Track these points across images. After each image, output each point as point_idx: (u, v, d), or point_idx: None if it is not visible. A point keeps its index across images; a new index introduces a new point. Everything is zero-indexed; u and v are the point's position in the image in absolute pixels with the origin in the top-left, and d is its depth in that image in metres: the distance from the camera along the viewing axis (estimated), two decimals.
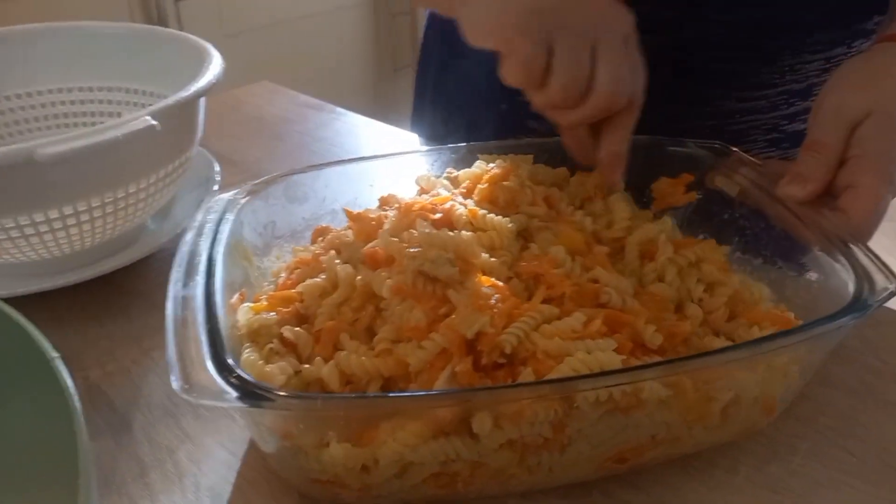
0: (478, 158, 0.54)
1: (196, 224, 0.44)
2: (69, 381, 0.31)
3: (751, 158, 0.53)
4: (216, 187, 0.64)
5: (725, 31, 0.60)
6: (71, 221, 0.51)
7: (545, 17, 0.46)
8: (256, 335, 0.40)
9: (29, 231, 0.50)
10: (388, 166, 0.54)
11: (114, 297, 0.57)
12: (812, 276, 0.45)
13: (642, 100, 0.49)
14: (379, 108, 0.85)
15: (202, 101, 0.59)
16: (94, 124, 0.68)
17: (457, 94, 0.79)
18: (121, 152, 0.50)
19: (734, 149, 0.54)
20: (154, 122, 0.49)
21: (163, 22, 1.80)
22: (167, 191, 0.58)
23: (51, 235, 0.51)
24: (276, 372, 0.36)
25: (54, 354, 0.32)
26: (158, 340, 0.52)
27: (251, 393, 0.32)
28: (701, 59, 0.62)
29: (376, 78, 2.50)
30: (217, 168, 0.66)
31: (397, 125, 0.88)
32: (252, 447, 0.44)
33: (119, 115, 0.69)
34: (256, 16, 2.04)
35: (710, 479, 0.42)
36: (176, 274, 0.39)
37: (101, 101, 0.70)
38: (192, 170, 0.65)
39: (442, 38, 0.80)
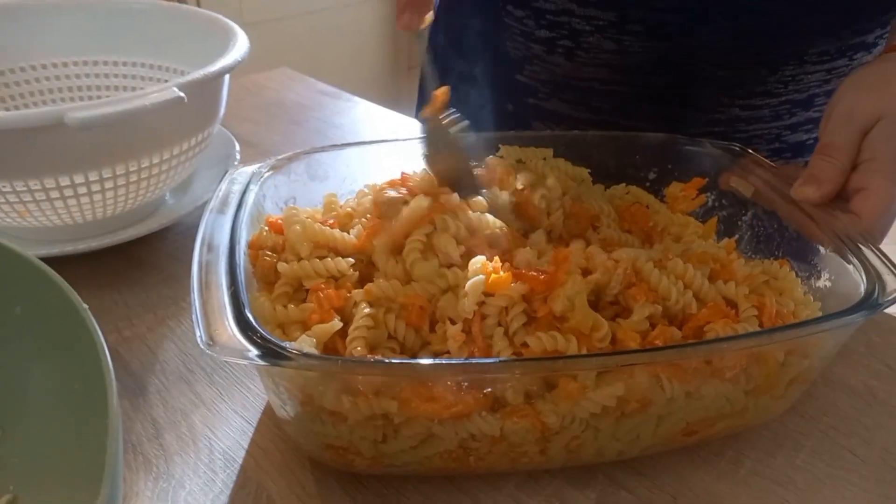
0: (491, 148, 0.54)
1: (221, 193, 0.44)
2: (99, 332, 0.31)
3: (766, 160, 0.54)
4: (237, 163, 0.65)
5: (731, 39, 0.61)
6: (95, 188, 0.52)
7: None
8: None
9: (54, 195, 0.51)
10: (406, 149, 0.55)
11: (131, 267, 0.58)
12: (824, 275, 0.46)
13: None
14: (392, 103, 0.86)
15: (227, 78, 0.60)
16: None
17: (461, 94, 0.80)
18: (147, 122, 0.51)
19: (749, 150, 0.55)
20: (181, 94, 0.50)
21: None
22: (188, 164, 0.59)
23: (74, 201, 0.52)
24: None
25: (84, 305, 0.33)
26: (173, 309, 0.53)
27: (272, 351, 0.32)
28: (708, 65, 0.63)
29: (390, 74, 2.51)
30: (237, 147, 0.67)
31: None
32: (265, 415, 0.44)
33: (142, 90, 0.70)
34: (276, 6, 2.06)
35: (715, 469, 0.42)
36: (201, 239, 0.40)
37: (125, 76, 0.70)
38: (212, 147, 0.66)
39: (448, 34, 0.81)
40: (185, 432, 0.43)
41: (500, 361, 0.36)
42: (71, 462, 0.32)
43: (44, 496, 0.33)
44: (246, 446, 0.42)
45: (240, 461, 0.41)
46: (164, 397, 0.45)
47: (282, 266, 0.42)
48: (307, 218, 0.45)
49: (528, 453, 0.38)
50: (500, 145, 0.55)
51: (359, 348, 0.38)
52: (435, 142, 0.49)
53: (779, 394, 0.41)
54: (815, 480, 0.42)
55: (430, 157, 0.48)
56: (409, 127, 0.86)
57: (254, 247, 0.43)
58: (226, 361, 0.48)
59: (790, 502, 0.40)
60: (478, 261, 0.40)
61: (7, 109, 0.68)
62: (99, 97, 0.70)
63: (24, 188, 0.50)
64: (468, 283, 0.39)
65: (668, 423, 0.39)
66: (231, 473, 0.41)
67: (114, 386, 0.29)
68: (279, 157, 0.50)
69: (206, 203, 0.44)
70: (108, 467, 0.27)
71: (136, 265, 0.58)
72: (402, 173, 0.48)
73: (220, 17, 0.66)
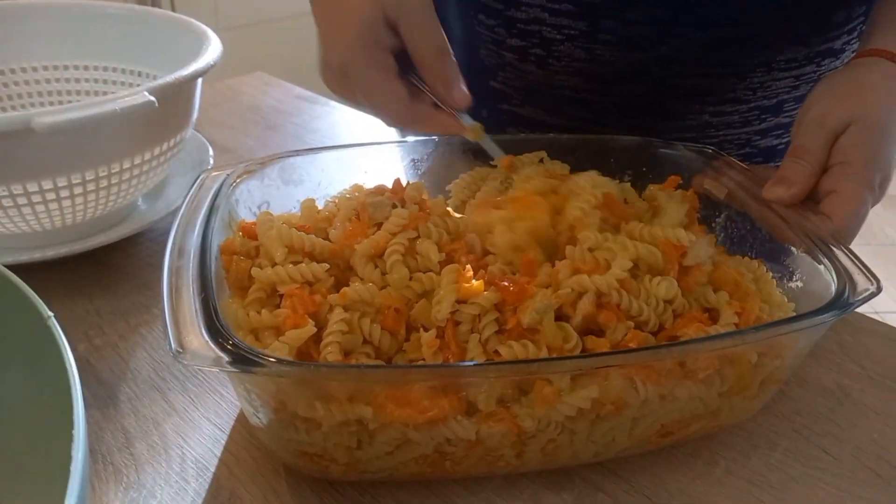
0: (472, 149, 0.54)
1: (192, 198, 0.44)
2: (64, 341, 0.31)
3: (739, 163, 0.54)
4: (209, 167, 0.64)
5: (701, 49, 0.62)
6: (64, 194, 0.51)
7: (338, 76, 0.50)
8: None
9: (22, 201, 0.50)
10: (383, 153, 0.55)
11: (103, 274, 0.57)
12: (796, 276, 0.46)
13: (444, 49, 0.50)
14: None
15: (199, 82, 0.59)
16: None
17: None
18: (117, 126, 0.50)
19: (723, 153, 0.55)
20: (152, 98, 0.49)
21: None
22: (160, 170, 0.58)
23: (43, 207, 0.51)
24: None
25: (49, 314, 0.32)
26: (146, 317, 0.52)
27: (244, 358, 0.32)
28: (678, 74, 0.64)
29: None
30: (211, 152, 0.67)
31: None
32: (239, 423, 0.44)
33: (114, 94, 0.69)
34: (252, 12, 2.05)
35: (691, 470, 0.43)
36: (171, 245, 0.39)
37: (96, 81, 0.70)
38: (185, 152, 0.65)
39: None
40: (156, 441, 0.42)
41: (474, 365, 0.36)
42: (39, 472, 0.31)
43: None
44: (219, 454, 0.42)
45: (213, 469, 0.41)
46: (136, 406, 0.45)
47: (256, 271, 0.42)
48: (282, 223, 0.44)
49: (505, 457, 0.38)
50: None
51: (333, 353, 0.38)
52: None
53: (752, 394, 0.41)
54: (790, 479, 0.42)
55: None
56: (386, 131, 0.86)
57: (226, 252, 0.42)
58: (198, 369, 0.48)
59: (765, 501, 0.41)
60: (452, 268, 0.40)
61: None
62: (70, 102, 0.69)
63: None
64: (442, 290, 0.39)
65: (644, 425, 0.39)
66: (203, 482, 0.40)
67: (79, 395, 0.28)
68: (252, 161, 0.49)
69: (179, 209, 0.43)
70: (74, 476, 0.26)
71: (108, 272, 0.57)
72: (396, 180, 0.48)
73: (192, 20, 0.65)
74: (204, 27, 0.63)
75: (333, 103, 0.93)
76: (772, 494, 0.41)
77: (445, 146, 0.55)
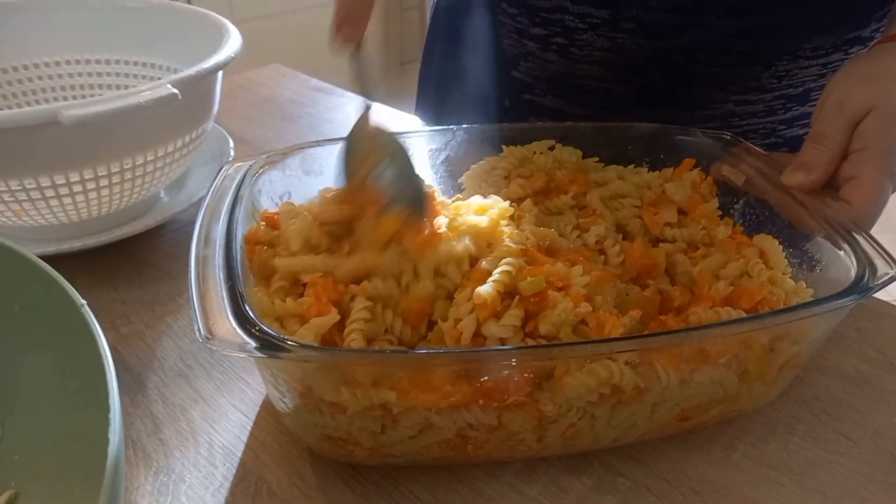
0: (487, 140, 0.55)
1: (216, 188, 0.45)
2: (97, 327, 0.32)
3: (758, 149, 0.54)
4: (231, 159, 0.65)
5: (723, 37, 0.62)
6: (90, 186, 0.52)
7: None
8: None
9: (49, 193, 0.51)
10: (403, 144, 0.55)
11: (127, 265, 0.58)
12: (816, 262, 0.46)
13: None
14: (385, 98, 0.86)
15: (220, 74, 0.60)
16: None
17: (461, 89, 0.80)
18: (142, 119, 0.51)
19: (741, 139, 0.55)
20: (175, 91, 0.50)
21: None
22: (183, 162, 0.59)
23: (70, 199, 0.52)
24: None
25: (82, 301, 0.33)
26: (171, 307, 0.53)
27: (271, 344, 0.32)
28: (700, 63, 0.64)
29: (383, 71, 2.51)
30: (231, 143, 0.67)
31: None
32: (264, 410, 0.45)
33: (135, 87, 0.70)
34: (267, 3, 2.05)
35: (709, 455, 0.43)
36: (198, 234, 0.40)
37: (117, 74, 0.70)
38: (206, 144, 0.66)
39: (447, 31, 0.81)
40: (184, 427, 0.43)
41: (495, 350, 0.37)
42: (71, 458, 0.32)
43: (45, 492, 0.33)
44: (245, 440, 0.43)
45: (239, 455, 0.42)
46: (163, 393, 0.46)
47: (279, 260, 0.42)
48: (305, 213, 0.45)
49: (526, 441, 0.38)
50: (502, 146, 0.55)
51: (356, 340, 0.38)
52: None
53: (771, 379, 0.41)
54: (809, 464, 0.43)
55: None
56: (403, 121, 0.86)
57: (250, 242, 0.43)
58: (224, 357, 0.49)
59: (784, 486, 0.41)
60: (466, 296, 0.39)
61: (0, 109, 0.68)
62: (91, 96, 0.70)
63: (20, 187, 0.50)
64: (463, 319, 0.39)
65: (664, 410, 0.39)
66: (231, 467, 0.41)
67: (114, 379, 0.29)
68: (274, 153, 0.50)
69: (201, 200, 0.44)
70: (111, 460, 0.27)
71: (133, 263, 0.58)
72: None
73: (210, 13, 0.66)
74: (223, 19, 0.64)
75: (349, 94, 0.93)
76: (790, 479, 0.41)
77: (464, 136, 0.56)
